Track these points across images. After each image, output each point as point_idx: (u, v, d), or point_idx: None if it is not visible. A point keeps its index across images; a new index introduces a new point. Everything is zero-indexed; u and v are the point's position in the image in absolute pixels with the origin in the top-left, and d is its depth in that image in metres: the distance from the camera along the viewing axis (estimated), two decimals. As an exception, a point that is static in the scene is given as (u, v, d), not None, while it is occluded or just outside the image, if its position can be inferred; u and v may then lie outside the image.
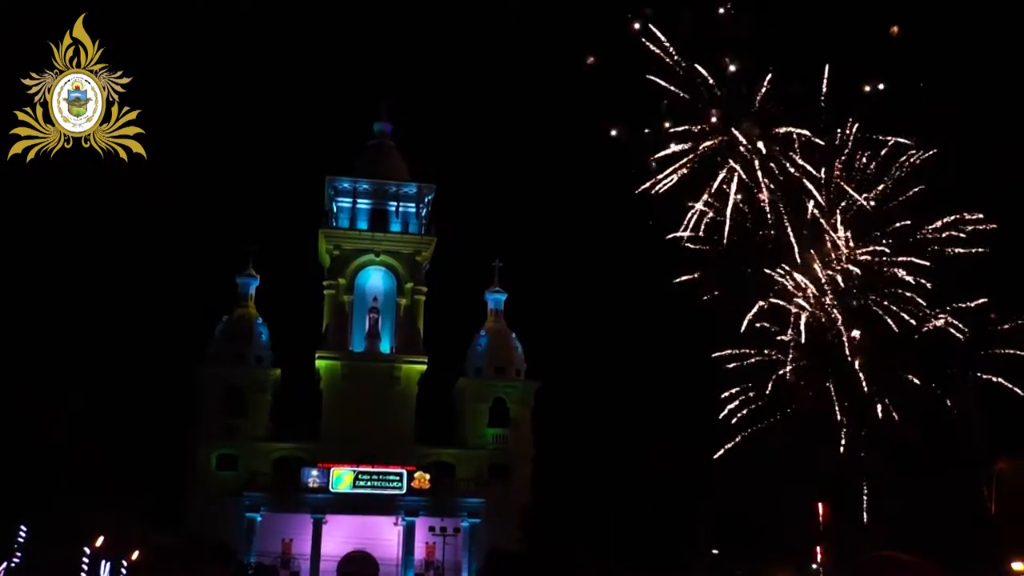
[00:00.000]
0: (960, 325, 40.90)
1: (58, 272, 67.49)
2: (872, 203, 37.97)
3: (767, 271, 38.13)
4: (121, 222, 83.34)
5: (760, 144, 36.02)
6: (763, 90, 35.96)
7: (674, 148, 36.56)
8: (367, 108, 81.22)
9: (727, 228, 36.90)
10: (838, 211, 37.88)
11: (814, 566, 57.93)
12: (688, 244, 37.97)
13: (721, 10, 35.18)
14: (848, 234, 38.28)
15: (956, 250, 38.48)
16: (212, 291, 76.56)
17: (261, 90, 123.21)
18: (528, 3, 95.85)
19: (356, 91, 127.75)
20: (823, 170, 37.15)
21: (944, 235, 38.40)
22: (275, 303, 75.49)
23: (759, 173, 36.63)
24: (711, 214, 37.65)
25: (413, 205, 75.96)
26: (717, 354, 40.92)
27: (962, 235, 38.19)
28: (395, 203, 75.55)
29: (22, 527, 39.65)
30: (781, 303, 38.71)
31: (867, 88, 35.75)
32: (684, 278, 38.87)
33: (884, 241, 38.47)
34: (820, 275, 38.03)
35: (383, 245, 74.06)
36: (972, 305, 40.21)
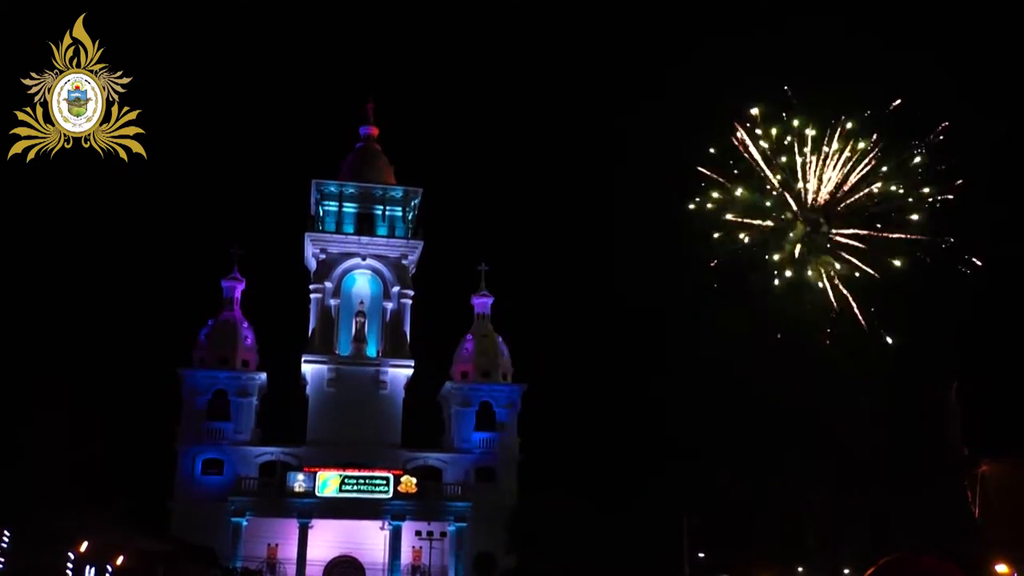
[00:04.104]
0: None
1: (54, 274, 67.27)
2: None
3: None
4: (108, 224, 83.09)
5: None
6: None
7: None
8: (353, 111, 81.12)
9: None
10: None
11: (800, 569, 58.30)
12: None
13: None
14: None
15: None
16: (197, 294, 76.38)
17: (246, 92, 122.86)
18: (518, 3, 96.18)
19: (342, 94, 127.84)
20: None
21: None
22: (261, 306, 75.37)
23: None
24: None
25: (399, 209, 75.93)
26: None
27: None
28: (381, 207, 75.48)
29: (5, 532, 39.30)
30: None
31: None
32: None
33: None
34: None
35: (369, 249, 73.92)
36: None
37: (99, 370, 62.91)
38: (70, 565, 41.61)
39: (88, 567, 43.90)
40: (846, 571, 54.79)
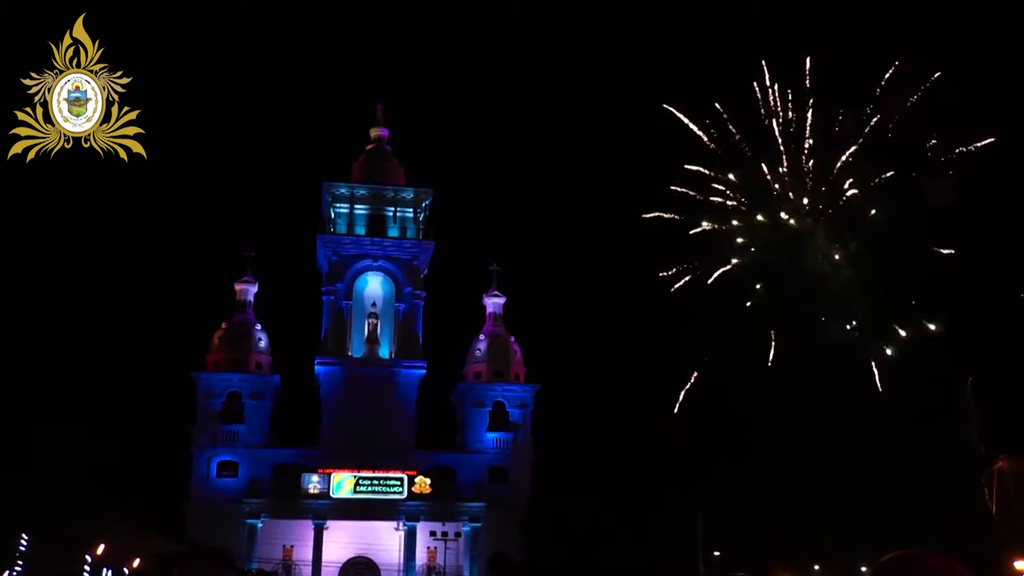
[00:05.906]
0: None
1: (57, 275, 67.67)
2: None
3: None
4: (120, 228, 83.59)
5: None
6: None
7: None
8: (364, 113, 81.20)
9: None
10: None
11: (816, 567, 57.96)
12: None
13: None
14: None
15: None
16: (210, 297, 76.63)
17: (257, 95, 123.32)
18: (524, 4, 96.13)
19: (352, 95, 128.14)
20: None
21: None
22: (274, 309, 75.56)
23: None
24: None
25: (411, 210, 75.92)
26: None
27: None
28: (393, 208, 75.48)
29: (23, 536, 39.61)
30: None
31: None
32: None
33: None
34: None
35: (381, 250, 73.86)
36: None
37: (114, 374, 63.45)
38: (87, 568, 41.93)
39: (105, 570, 44.21)
40: (863, 569, 54.40)
